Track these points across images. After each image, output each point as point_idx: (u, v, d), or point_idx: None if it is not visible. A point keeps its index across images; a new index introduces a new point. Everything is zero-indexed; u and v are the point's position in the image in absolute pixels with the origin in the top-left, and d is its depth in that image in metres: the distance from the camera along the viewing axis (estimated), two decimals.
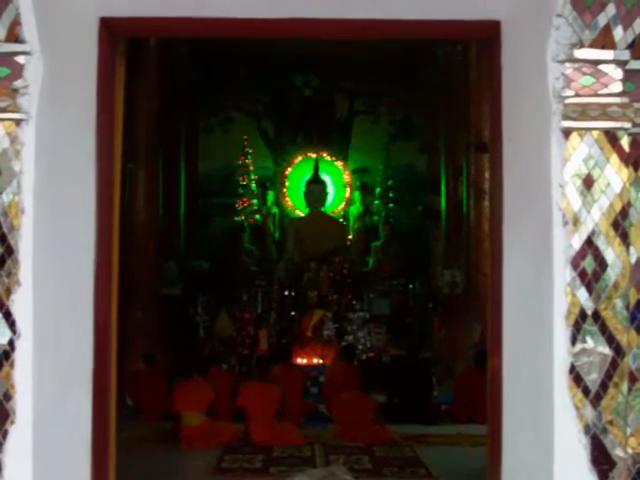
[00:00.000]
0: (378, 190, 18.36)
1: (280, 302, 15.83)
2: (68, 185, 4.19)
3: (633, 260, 3.81)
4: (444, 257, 15.65)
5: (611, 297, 3.78)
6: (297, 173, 18.47)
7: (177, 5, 4.35)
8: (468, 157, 13.86)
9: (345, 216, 18.48)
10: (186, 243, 16.43)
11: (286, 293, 15.92)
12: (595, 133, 3.81)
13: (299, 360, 13.61)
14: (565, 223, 3.80)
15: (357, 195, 18.52)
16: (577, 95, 3.81)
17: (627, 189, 3.80)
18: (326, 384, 11.80)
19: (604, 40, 3.79)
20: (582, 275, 3.78)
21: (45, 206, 3.90)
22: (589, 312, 3.78)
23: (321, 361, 13.60)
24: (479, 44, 12.01)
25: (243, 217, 17.96)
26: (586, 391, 3.76)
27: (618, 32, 3.79)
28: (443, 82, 15.84)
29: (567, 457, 3.75)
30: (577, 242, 3.79)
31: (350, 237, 18.08)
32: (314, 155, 18.24)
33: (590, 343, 3.77)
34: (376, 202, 18.37)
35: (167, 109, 14.45)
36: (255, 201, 18.25)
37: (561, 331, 3.78)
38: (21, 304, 3.78)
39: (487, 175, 11.79)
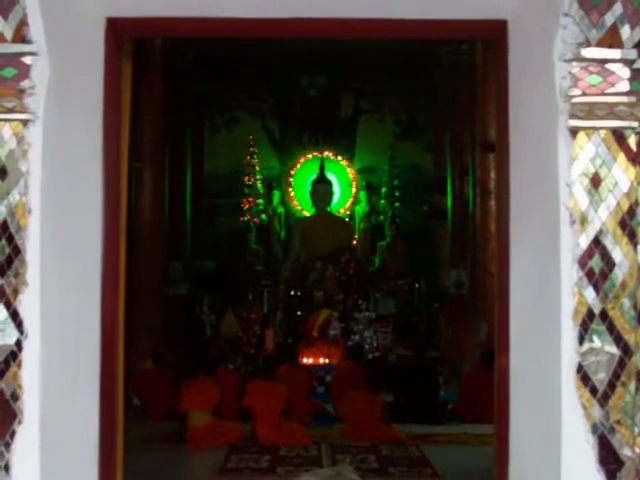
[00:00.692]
0: (384, 190, 18.33)
1: (286, 302, 15.82)
2: (75, 185, 4.20)
3: None
4: (450, 257, 15.63)
5: (618, 296, 3.77)
6: (303, 173, 18.46)
7: (183, 5, 4.35)
8: (474, 156, 13.84)
9: (351, 216, 18.47)
10: (192, 243, 16.44)
11: (292, 293, 15.91)
12: (602, 132, 3.80)
13: (305, 360, 13.60)
14: (572, 222, 3.79)
15: (363, 195, 18.50)
16: (584, 94, 3.80)
17: (634, 188, 3.80)
18: (333, 383, 11.79)
19: (611, 39, 3.79)
20: (589, 274, 3.77)
21: (52, 206, 3.91)
22: (596, 311, 3.77)
23: (327, 361, 13.59)
24: (485, 43, 12.00)
25: (249, 217, 17.95)
26: (594, 390, 3.75)
27: (625, 31, 3.78)
28: (449, 81, 15.82)
29: (575, 457, 3.75)
30: (584, 241, 3.79)
31: (356, 237, 18.07)
32: (320, 155, 18.23)
33: (597, 342, 3.76)
34: (382, 202, 18.35)
35: (173, 109, 14.45)
36: (261, 201, 18.24)
37: (568, 330, 3.78)
38: (28, 304, 3.79)
39: (493, 174, 11.82)
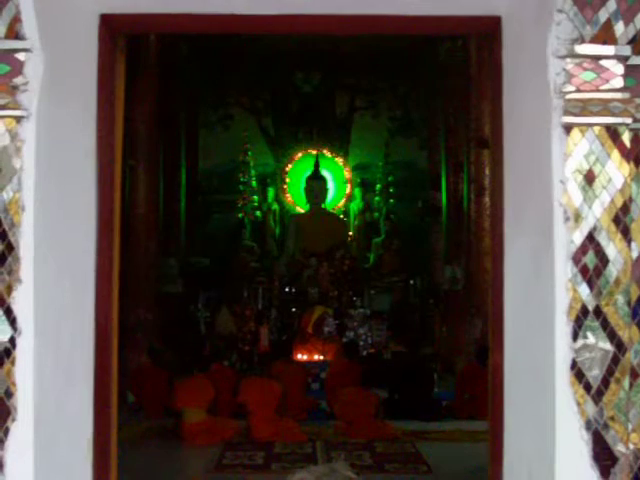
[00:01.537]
0: (378, 186, 18.36)
1: (281, 298, 15.82)
2: (69, 182, 4.19)
3: (634, 256, 3.81)
4: (445, 253, 15.64)
5: (612, 293, 3.77)
6: (297, 169, 18.47)
7: (177, 2, 4.34)
8: (469, 153, 13.85)
9: (345, 212, 18.48)
10: (187, 240, 16.43)
11: (287, 289, 15.92)
12: (596, 129, 3.80)
13: (300, 356, 13.61)
14: (566, 219, 3.79)
15: (357, 191, 18.52)
16: (578, 90, 3.80)
17: (628, 185, 3.80)
18: (328, 380, 11.80)
19: (605, 35, 3.79)
20: (583, 271, 3.78)
21: (46, 203, 3.90)
22: (590, 308, 3.77)
23: (322, 357, 13.60)
24: (480, 39, 12.00)
25: (243, 214, 17.96)
26: (587, 387, 3.75)
27: (619, 27, 3.78)
28: (443, 78, 15.82)
29: (569, 453, 3.75)
30: (578, 238, 3.79)
31: (351, 233, 18.08)
32: (314, 151, 18.23)
33: (591, 339, 3.77)
34: (376, 198, 18.37)
35: (167, 105, 14.44)
36: (255, 197, 18.24)
37: (562, 327, 3.78)
38: (22, 301, 3.78)
39: (488, 171, 11.83)
